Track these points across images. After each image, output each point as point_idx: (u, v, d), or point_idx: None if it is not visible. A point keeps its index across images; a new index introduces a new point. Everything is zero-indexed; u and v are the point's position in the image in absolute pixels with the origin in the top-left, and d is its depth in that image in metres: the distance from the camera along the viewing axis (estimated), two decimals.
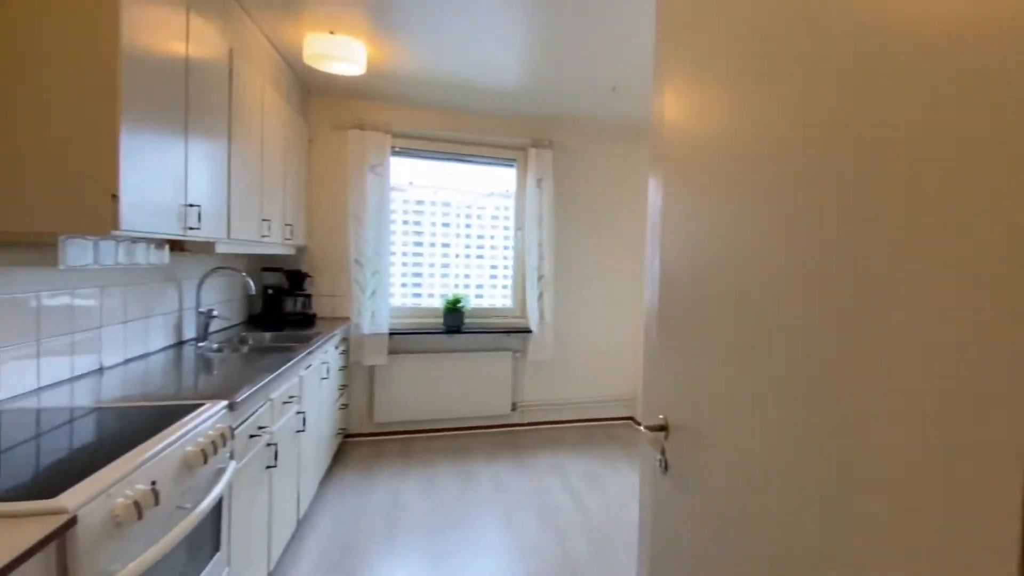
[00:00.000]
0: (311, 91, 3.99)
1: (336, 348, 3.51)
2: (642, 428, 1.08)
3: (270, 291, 3.75)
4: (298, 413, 2.48)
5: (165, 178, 1.79)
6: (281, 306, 3.75)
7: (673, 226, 1.05)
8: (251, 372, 2.04)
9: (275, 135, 3.07)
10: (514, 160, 4.45)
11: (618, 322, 4.64)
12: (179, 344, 2.67)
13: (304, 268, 4.03)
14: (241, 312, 3.65)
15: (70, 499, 0.96)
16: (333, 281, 4.11)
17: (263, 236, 2.91)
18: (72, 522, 0.94)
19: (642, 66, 3.28)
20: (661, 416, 1.06)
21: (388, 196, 4.03)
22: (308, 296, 3.91)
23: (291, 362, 2.30)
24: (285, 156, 3.31)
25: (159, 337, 2.49)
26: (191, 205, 1.96)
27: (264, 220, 2.91)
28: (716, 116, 0.92)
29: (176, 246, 2.38)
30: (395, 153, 4.18)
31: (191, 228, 1.96)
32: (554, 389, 4.52)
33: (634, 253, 4.66)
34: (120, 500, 1.08)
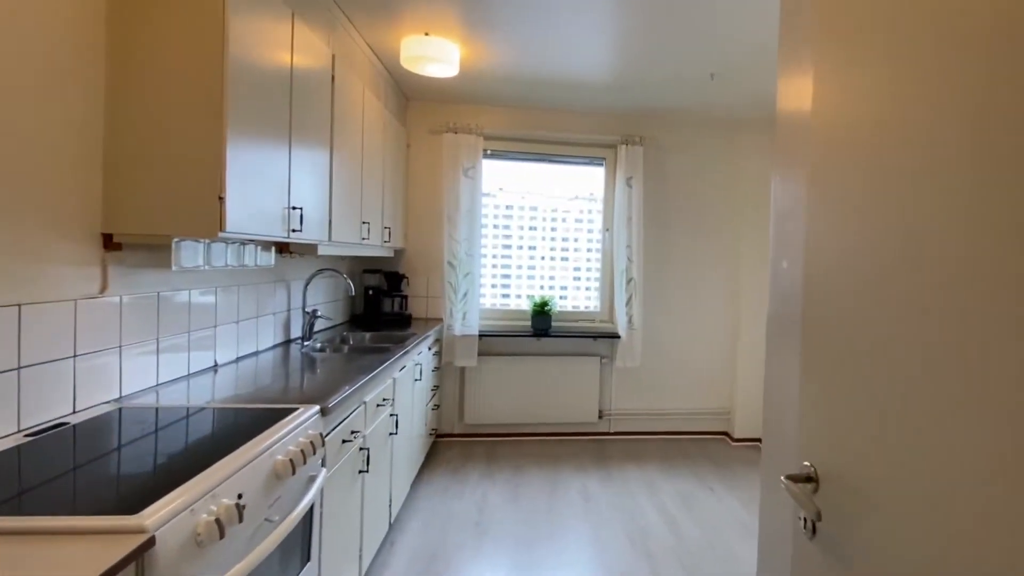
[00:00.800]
0: (409, 97, 4.07)
1: (429, 349, 3.55)
2: (782, 479, 0.88)
3: (370, 292, 3.87)
4: (391, 416, 2.50)
5: (269, 182, 1.84)
6: (380, 307, 3.86)
7: (824, 223, 0.88)
8: (347, 373, 2.07)
9: (374, 139, 3.14)
10: (603, 159, 4.31)
11: (712, 329, 4.37)
12: (286, 343, 2.79)
13: (401, 270, 4.12)
14: (344, 312, 3.79)
15: (150, 517, 0.91)
16: (428, 283, 4.17)
17: (363, 239, 2.98)
18: (150, 543, 0.89)
19: (745, 50, 3.03)
20: (808, 463, 0.88)
21: (479, 199, 4.03)
22: (404, 297, 4.00)
23: (385, 364, 2.32)
24: (384, 160, 3.39)
25: (268, 336, 2.61)
26: (294, 208, 2.01)
27: (364, 223, 2.98)
28: (887, 96, 0.76)
29: (282, 248, 2.48)
30: (486, 156, 4.17)
31: (294, 231, 2.01)
32: (642, 398, 4.33)
33: (730, 256, 4.36)
34: (204, 517, 1.02)
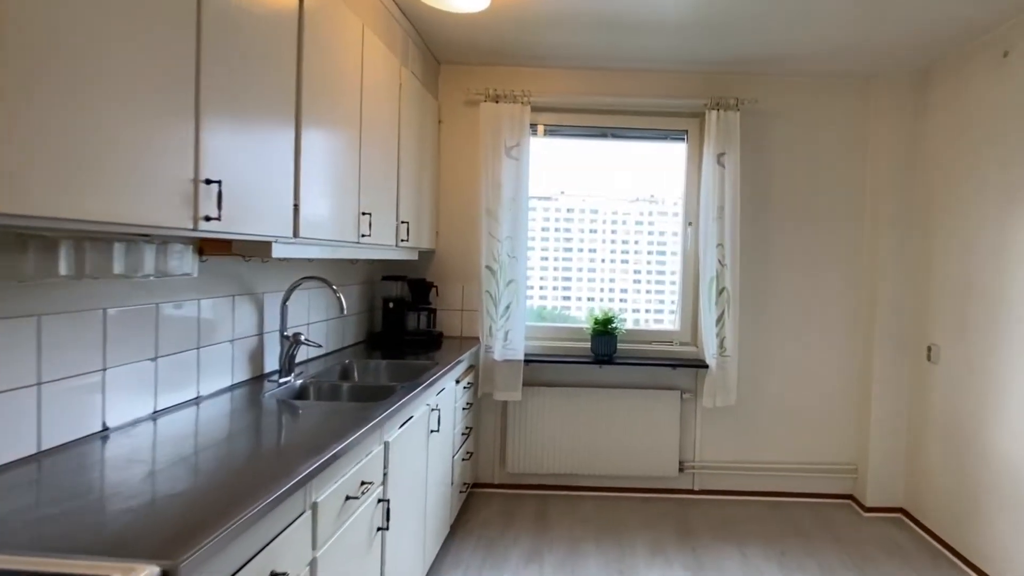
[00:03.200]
0: (440, 59, 3.27)
1: (458, 382, 2.71)
2: None
3: (390, 305, 3.10)
4: (380, 502, 1.67)
5: (153, 141, 1.06)
6: (403, 323, 3.09)
7: None
8: (300, 452, 1.26)
9: (380, 102, 2.34)
10: (683, 132, 3.34)
11: (835, 356, 3.31)
12: (256, 380, 2.04)
13: (430, 277, 3.32)
14: (358, 330, 3.05)
15: None
16: (464, 292, 3.37)
17: (362, 236, 2.19)
18: None
19: None
20: None
21: (526, 185, 3.17)
22: (432, 311, 3.20)
23: (364, 429, 1.49)
24: (401, 133, 2.60)
25: (220, 373, 1.86)
26: (208, 183, 1.22)
27: (364, 214, 2.19)
28: None
29: (210, 249, 1.69)
30: (537, 135, 3.32)
31: (208, 218, 1.22)
32: (737, 447, 3.32)
33: (861, 258, 3.29)
34: None
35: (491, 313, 3.16)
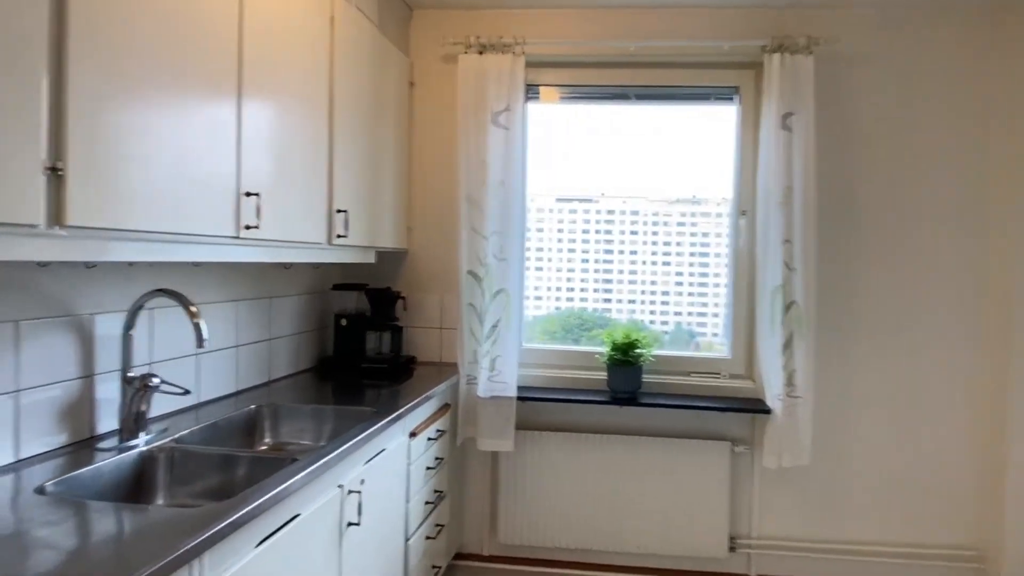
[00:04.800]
0: (413, 4, 2.51)
1: (414, 435, 1.93)
2: None
3: (343, 322, 2.37)
4: None
5: None
6: (363, 344, 2.37)
7: None
8: None
9: (285, 45, 1.61)
10: (734, 89, 2.47)
11: (954, 401, 2.38)
12: (72, 447, 1.33)
13: (400, 285, 2.57)
14: (306, 355, 2.36)
15: None
16: (443, 305, 2.60)
17: (246, 227, 1.44)
18: None
19: None
20: None
21: (520, 164, 2.40)
22: (399, 330, 2.44)
23: None
24: (339, 94, 1.88)
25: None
26: None
27: (248, 195, 1.44)
28: None
29: None
30: (535, 98, 2.53)
31: None
32: (811, 521, 2.43)
33: (991, 259, 2.37)
34: None
35: (475, 333, 2.38)
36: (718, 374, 2.48)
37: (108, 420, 1.45)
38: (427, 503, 2.08)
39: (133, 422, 1.41)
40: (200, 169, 1.28)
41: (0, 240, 0.86)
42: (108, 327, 1.45)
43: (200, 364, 1.78)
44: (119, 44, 1.04)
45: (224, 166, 1.37)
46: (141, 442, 1.38)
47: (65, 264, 1.32)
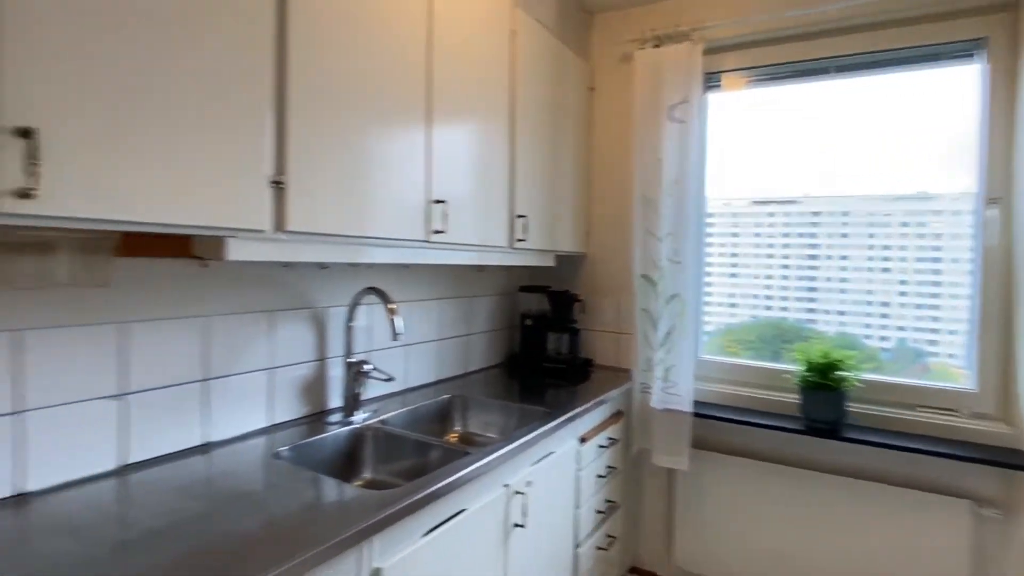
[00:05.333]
0: (592, 7, 2.53)
1: (584, 441, 1.92)
2: None
3: (528, 322, 2.52)
4: None
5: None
6: (544, 345, 2.48)
7: None
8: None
9: (473, 59, 1.74)
10: (976, 43, 1.97)
11: None
12: (309, 419, 1.60)
13: (578, 288, 2.62)
14: (498, 351, 2.55)
15: None
16: (622, 308, 2.56)
17: (435, 231, 1.60)
18: None
19: None
20: None
21: (699, 161, 2.27)
22: (576, 331, 2.48)
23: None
24: (521, 104, 1.99)
25: (240, 412, 1.44)
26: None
27: (437, 202, 1.59)
28: None
29: (139, 249, 1.22)
30: (713, 87, 2.35)
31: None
32: None
33: None
34: None
35: (648, 339, 2.29)
36: (955, 411, 2.00)
37: (337, 398, 1.71)
38: (598, 512, 2.05)
39: (352, 402, 1.64)
40: (395, 181, 1.44)
41: (236, 243, 1.07)
42: (338, 319, 1.71)
43: (408, 354, 2.00)
44: (329, 78, 1.22)
45: (414, 176, 1.52)
46: (357, 420, 1.60)
47: (305, 264, 1.60)
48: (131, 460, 1.21)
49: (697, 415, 2.18)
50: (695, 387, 2.23)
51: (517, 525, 1.51)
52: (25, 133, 0.76)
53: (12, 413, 1.03)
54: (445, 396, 1.94)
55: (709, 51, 2.23)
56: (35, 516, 0.98)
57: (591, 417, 1.99)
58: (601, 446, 2.06)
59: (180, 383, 1.31)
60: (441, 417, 1.92)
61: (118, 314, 1.18)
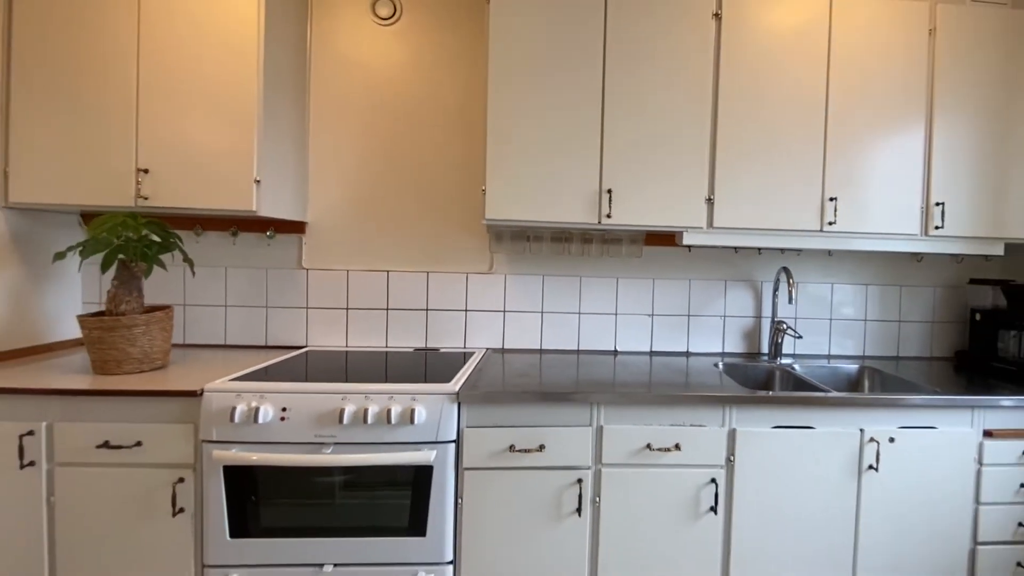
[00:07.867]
0: None
1: (987, 433, 1.94)
2: None
3: (976, 316, 2.51)
4: (711, 482, 1.85)
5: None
6: (994, 344, 2.44)
7: None
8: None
9: (886, 52, 2.16)
10: None
11: None
12: (744, 355, 2.51)
13: None
14: (941, 343, 2.66)
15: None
16: None
17: (829, 223, 2.18)
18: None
19: None
20: None
21: None
22: None
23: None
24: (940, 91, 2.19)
25: (705, 340, 2.51)
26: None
27: (831, 199, 2.13)
28: None
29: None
30: None
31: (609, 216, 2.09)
32: None
33: None
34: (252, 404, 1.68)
35: None
36: None
37: (765, 345, 2.51)
38: (1020, 525, 1.96)
39: (774, 349, 2.41)
40: (797, 186, 2.17)
41: (687, 234, 2.07)
42: (769, 290, 2.53)
43: (832, 327, 2.56)
44: (739, 136, 2.06)
45: (813, 183, 2.12)
46: (777, 363, 2.36)
47: (747, 249, 2.44)
48: (654, 349, 2.47)
49: None
50: None
51: (871, 467, 1.87)
52: (608, 191, 2.10)
53: (613, 313, 2.45)
54: (856, 366, 2.37)
55: None
56: (619, 362, 2.27)
57: (1007, 417, 1.95)
58: None
59: (679, 314, 2.45)
60: (848, 380, 2.35)
61: (648, 273, 2.44)
